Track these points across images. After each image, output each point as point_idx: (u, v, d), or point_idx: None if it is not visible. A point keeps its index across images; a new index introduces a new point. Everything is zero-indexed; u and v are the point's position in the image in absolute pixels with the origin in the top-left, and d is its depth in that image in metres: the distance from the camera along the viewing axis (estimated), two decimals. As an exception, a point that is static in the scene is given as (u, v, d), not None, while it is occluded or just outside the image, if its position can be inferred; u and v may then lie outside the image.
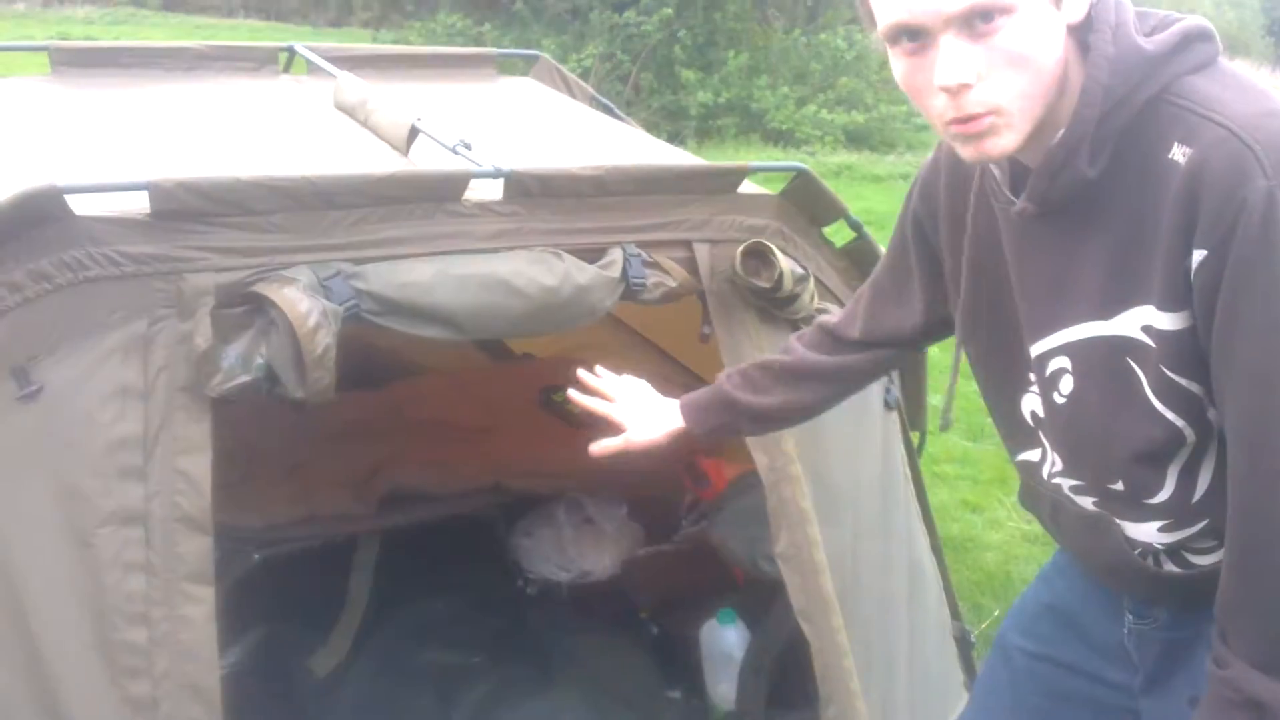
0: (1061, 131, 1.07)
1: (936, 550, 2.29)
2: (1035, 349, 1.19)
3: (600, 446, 1.66)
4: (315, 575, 2.52)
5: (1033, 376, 1.22)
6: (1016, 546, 3.27)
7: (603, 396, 1.67)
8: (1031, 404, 1.25)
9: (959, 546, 3.24)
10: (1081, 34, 1.07)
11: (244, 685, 2.33)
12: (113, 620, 1.37)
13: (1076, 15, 1.06)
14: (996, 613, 2.86)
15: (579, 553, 2.77)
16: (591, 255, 1.77)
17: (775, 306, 1.91)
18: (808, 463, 1.91)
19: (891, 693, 1.93)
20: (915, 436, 2.37)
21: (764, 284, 1.85)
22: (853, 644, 1.86)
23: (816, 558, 1.85)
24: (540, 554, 2.79)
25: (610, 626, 2.61)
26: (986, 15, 1.00)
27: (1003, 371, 1.28)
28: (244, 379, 1.47)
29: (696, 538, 2.78)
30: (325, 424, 2.81)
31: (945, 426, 1.54)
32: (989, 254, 1.24)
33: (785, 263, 1.87)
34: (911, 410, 2.37)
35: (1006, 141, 1.06)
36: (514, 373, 3.39)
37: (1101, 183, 1.08)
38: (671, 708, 2.32)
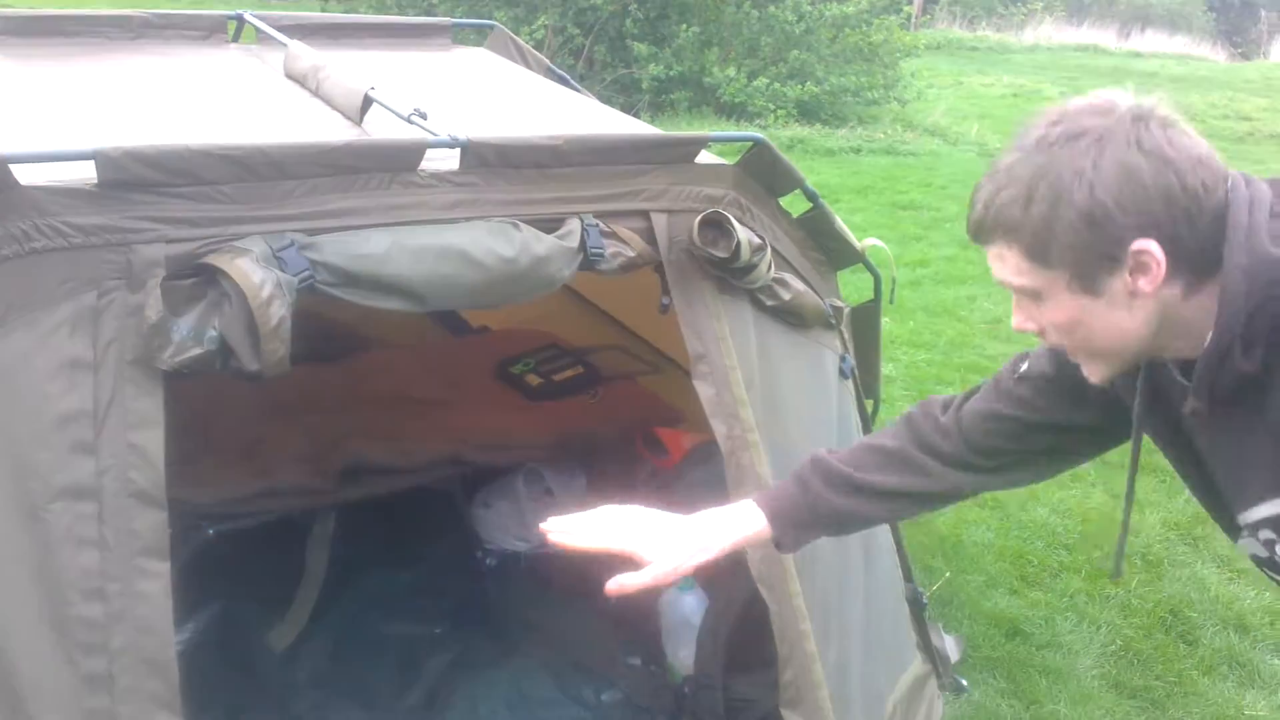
0: (1210, 336, 1.07)
1: (891, 516, 2.32)
2: (1242, 518, 1.19)
3: (620, 584, 1.38)
4: (272, 549, 2.50)
5: (1245, 533, 1.21)
6: (968, 511, 3.33)
7: (598, 534, 1.43)
8: (1251, 549, 1.23)
9: (912, 513, 3.29)
10: (1194, 257, 1.06)
11: (201, 660, 2.32)
12: (67, 595, 1.36)
13: (1147, 287, 1.07)
14: (948, 574, 2.91)
15: (537, 524, 2.77)
16: (549, 225, 1.76)
17: (733, 276, 1.92)
18: (765, 431, 1.93)
19: (847, 654, 1.96)
20: (869, 405, 2.40)
21: (721, 254, 1.86)
22: (810, 609, 1.88)
23: (774, 525, 1.87)
24: (499, 525, 2.79)
25: (569, 597, 2.62)
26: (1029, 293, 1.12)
27: (1217, 516, 1.27)
28: (196, 351, 1.45)
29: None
30: (282, 398, 2.79)
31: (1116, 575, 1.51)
32: (1174, 432, 1.23)
33: (742, 233, 1.87)
34: (866, 379, 2.40)
35: (1095, 374, 1.16)
36: (471, 346, 3.38)
37: (1265, 374, 1.07)
38: (631, 674, 2.34)
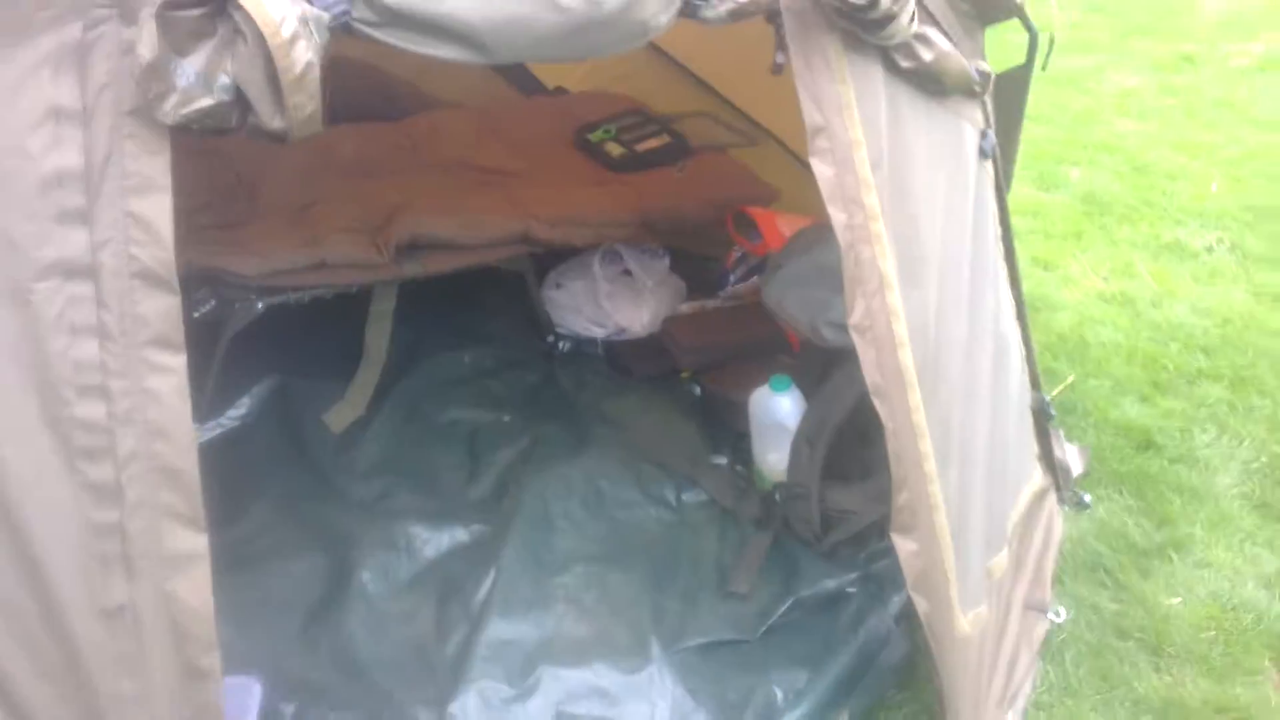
0: None
1: (1021, 317, 2.03)
2: None
3: None
4: (328, 326, 2.32)
5: None
6: (1091, 306, 3.00)
7: None
8: None
9: (1029, 307, 2.96)
10: None
11: (255, 439, 2.21)
12: (62, 393, 1.15)
13: None
14: (1071, 378, 2.62)
15: (615, 307, 2.54)
16: (641, -44, 1.41)
17: (866, 29, 1.55)
18: (891, 220, 1.62)
19: (970, 473, 1.72)
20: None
21: (857, -1, 1.49)
22: (930, 425, 1.63)
23: (896, 329, 1.59)
24: (573, 307, 2.57)
25: (648, 387, 2.41)
26: None
27: None
28: (206, 102, 1.17)
29: (745, 295, 2.53)
30: (335, 159, 2.53)
31: None
32: None
33: (883, -29, 1.50)
34: (1003, 163, 2.05)
35: None
36: (545, 108, 3.04)
37: None
38: (715, 474, 2.15)
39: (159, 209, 1.20)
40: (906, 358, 1.61)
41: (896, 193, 1.65)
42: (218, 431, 2.20)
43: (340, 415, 2.25)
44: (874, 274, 1.59)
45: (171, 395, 1.20)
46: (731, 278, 2.58)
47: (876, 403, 1.59)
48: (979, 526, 1.73)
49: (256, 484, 2.05)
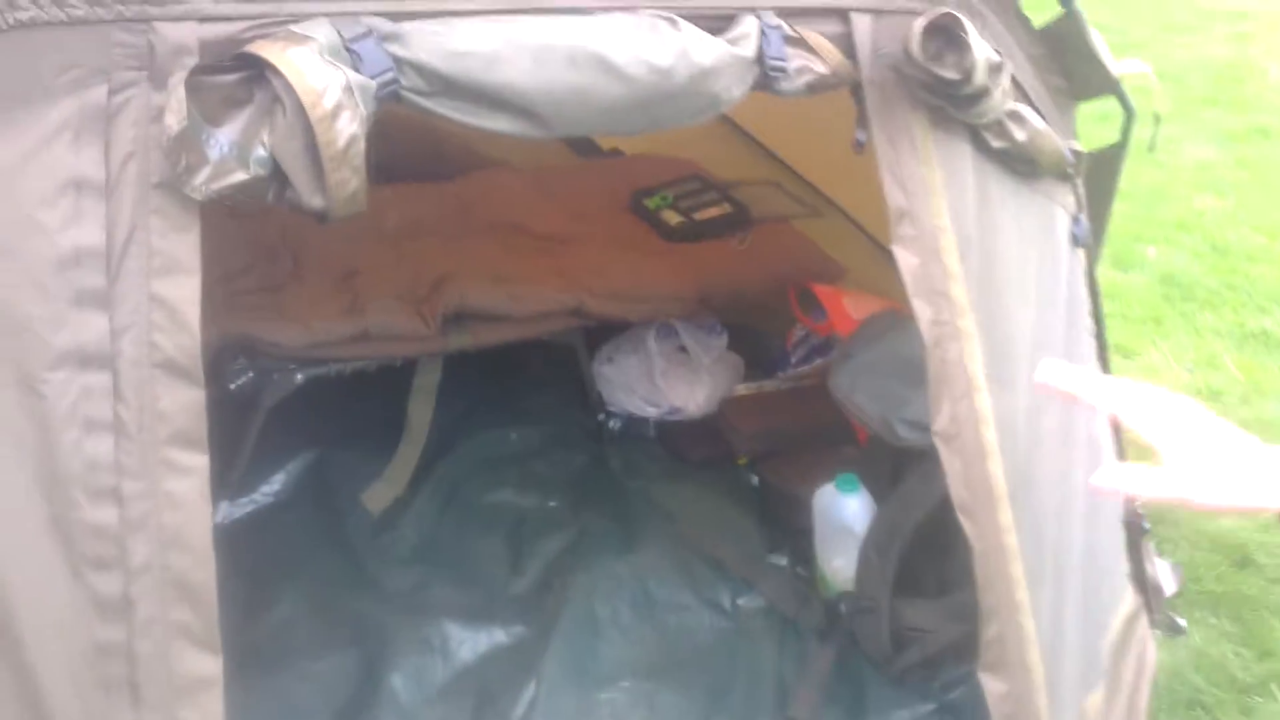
0: None
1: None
2: None
3: (1114, 476, 0.85)
4: (369, 399, 2.21)
5: None
6: (1180, 402, 2.82)
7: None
8: None
9: (1108, 400, 2.79)
10: None
11: (288, 517, 2.10)
12: (72, 495, 1.03)
13: None
14: (1155, 482, 2.43)
15: (669, 385, 2.41)
16: (717, 25, 1.30)
17: (956, 106, 1.43)
18: (980, 315, 1.48)
19: (1062, 601, 1.56)
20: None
21: (950, 73, 1.36)
22: (1023, 543, 1.47)
23: (985, 437, 1.45)
24: (625, 385, 2.44)
25: (703, 474, 2.27)
26: None
27: None
28: (240, 177, 1.06)
29: (807, 377, 2.39)
30: (383, 222, 2.44)
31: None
32: None
33: (978, 45, 1.37)
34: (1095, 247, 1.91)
35: None
36: (601, 171, 2.95)
37: None
38: (774, 577, 2.00)
39: (185, 292, 1.09)
40: (996, 469, 1.46)
41: (985, 285, 1.51)
42: (250, 509, 2.09)
43: (379, 495, 2.13)
44: (961, 375, 1.45)
45: (191, 499, 1.08)
46: (793, 358, 2.45)
47: (964, 521, 1.44)
48: (1073, 660, 1.56)
49: (287, 568, 1.93)
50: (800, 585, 1.96)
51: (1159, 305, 3.34)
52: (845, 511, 1.88)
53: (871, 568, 1.79)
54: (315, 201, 1.09)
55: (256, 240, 2.24)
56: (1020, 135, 1.54)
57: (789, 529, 2.08)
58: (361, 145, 1.08)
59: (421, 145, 2.77)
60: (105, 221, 1.05)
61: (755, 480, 2.25)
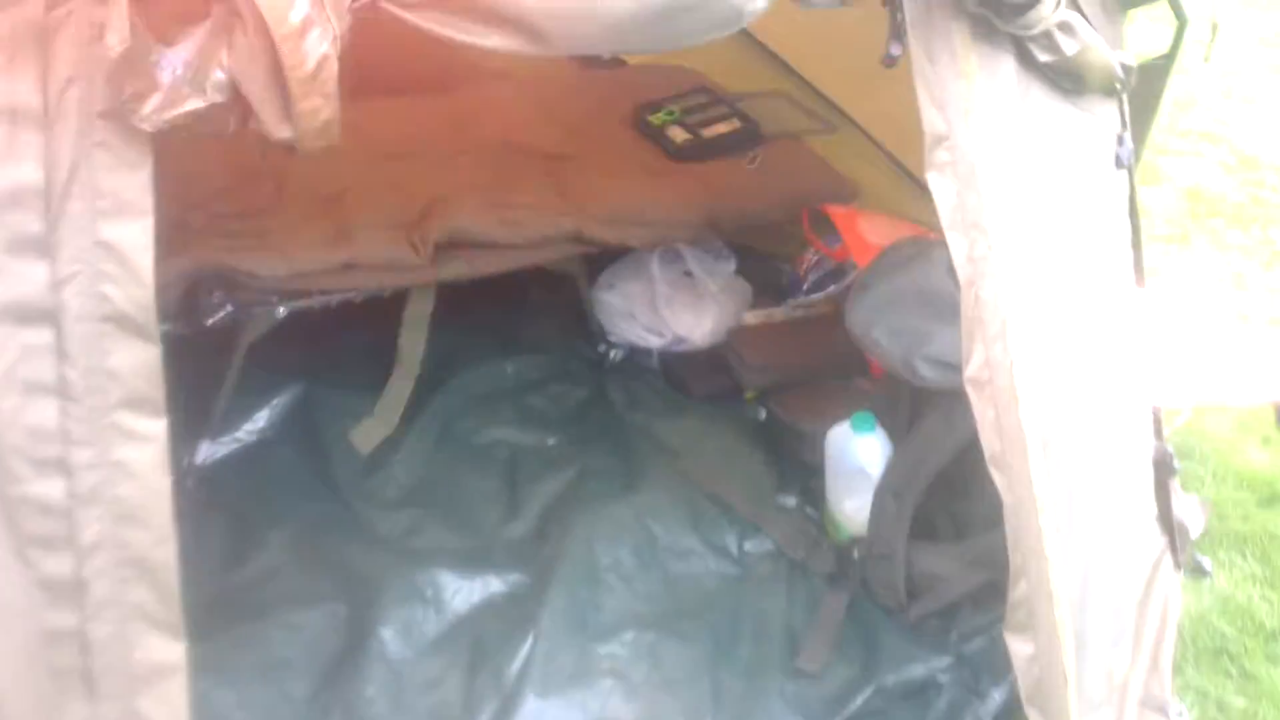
0: None
1: (1149, 353, 1.76)
2: None
3: None
4: (357, 333, 2.09)
5: None
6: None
7: None
8: None
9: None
10: None
11: (273, 457, 2.00)
12: (12, 466, 0.93)
13: None
14: (1186, 415, 2.33)
15: (673, 314, 2.29)
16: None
17: (1002, 15, 1.29)
18: (1019, 249, 1.35)
19: (1090, 554, 1.46)
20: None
21: (997, -20, 1.22)
22: (1054, 495, 1.37)
23: (1019, 383, 1.33)
24: (627, 313, 2.32)
25: (708, 408, 2.17)
26: None
27: None
28: (195, 104, 0.93)
29: (819, 306, 2.27)
30: (372, 140, 2.28)
31: None
32: None
33: (1027, -52, 1.23)
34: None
35: None
36: (602, 84, 2.77)
37: None
38: (782, 519, 1.90)
39: (137, 237, 0.96)
40: (1029, 416, 1.35)
41: (1026, 216, 1.38)
42: (233, 447, 1.98)
43: (369, 433, 2.02)
44: (997, 316, 1.33)
45: (147, 469, 0.97)
46: (805, 285, 2.32)
47: (995, 474, 1.34)
48: (1101, 616, 1.47)
49: (272, 512, 1.83)
50: (810, 528, 1.88)
51: (1184, 222, 3.20)
52: (860, 452, 1.78)
53: (887, 512, 1.70)
54: (282, 132, 0.97)
55: (234, 161, 2.09)
56: (1070, 48, 1.40)
57: (798, 467, 1.99)
58: (334, 67, 0.95)
59: (410, 55, 2.60)
60: (44, 156, 0.93)
61: (763, 415, 2.14)
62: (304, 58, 0.92)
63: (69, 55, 0.92)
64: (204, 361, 1.83)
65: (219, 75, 0.94)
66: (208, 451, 1.96)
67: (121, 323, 0.96)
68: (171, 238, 1.85)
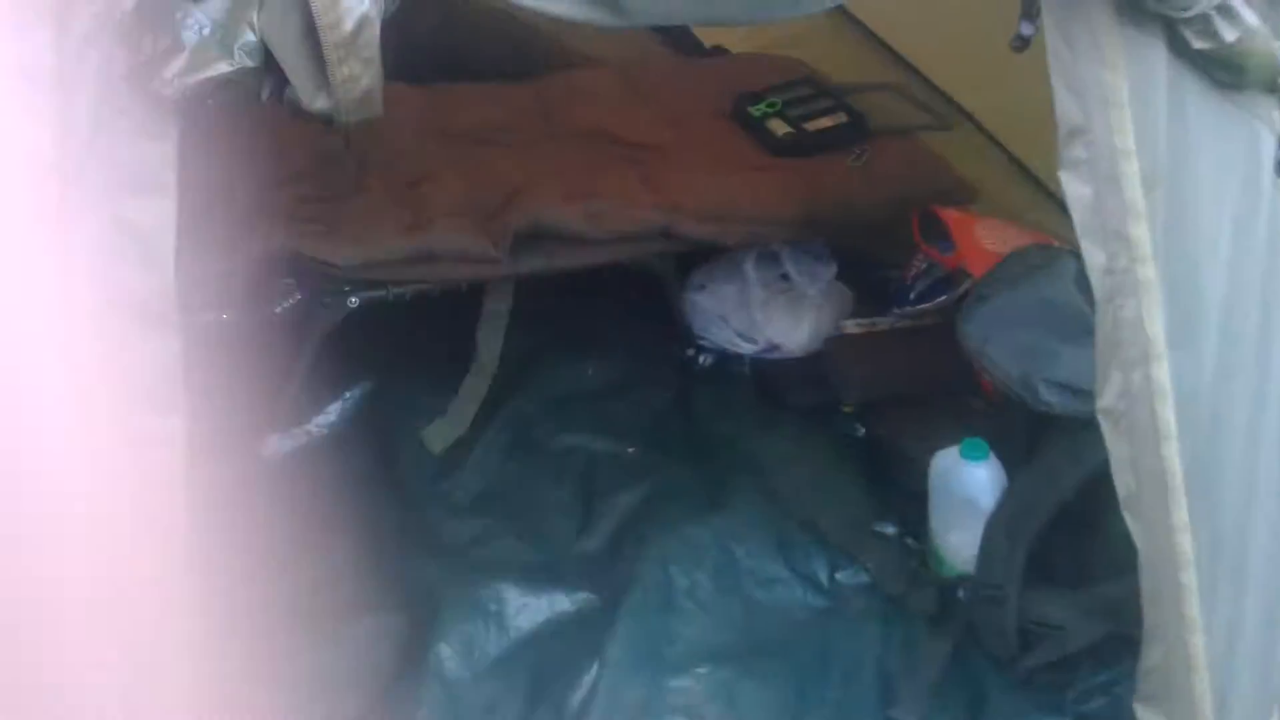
0: None
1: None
2: None
3: None
4: (432, 328, 1.99)
5: None
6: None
7: None
8: None
9: None
10: None
11: (342, 453, 1.92)
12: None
13: None
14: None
15: (768, 319, 2.15)
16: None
17: (1153, -6, 1.12)
18: (1166, 263, 1.18)
19: (1240, 615, 1.27)
20: None
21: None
22: (1199, 547, 1.19)
23: (1162, 416, 1.16)
24: (718, 315, 2.19)
25: (802, 422, 2.02)
26: None
27: None
28: (222, 68, 0.83)
29: (928, 317, 2.10)
30: (456, 125, 2.21)
31: None
32: None
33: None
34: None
35: None
36: (701, 73, 2.64)
37: None
38: (880, 549, 1.74)
39: (159, 217, 0.87)
40: (1173, 455, 1.18)
41: (1174, 225, 1.21)
42: (303, 440, 1.91)
43: (441, 433, 1.93)
44: (1139, 338, 1.16)
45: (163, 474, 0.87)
46: (912, 293, 2.15)
47: (1130, 519, 1.17)
48: (1248, 685, 1.28)
49: (334, 513, 1.74)
50: (910, 561, 1.71)
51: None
52: (970, 481, 1.61)
53: (998, 550, 1.53)
54: (318, 103, 0.86)
55: (314, 142, 2.02)
56: (1229, 35, 1.22)
57: (899, 493, 1.82)
58: (375, 31, 0.83)
59: (502, 40, 2.51)
60: (58, 122, 0.83)
61: (862, 433, 1.98)
62: (341, 16, 0.81)
63: (87, 10, 0.83)
64: (271, 356, 1.76)
65: (250, 37, 0.83)
66: (276, 445, 1.90)
67: (140, 314, 0.86)
68: (244, 222, 1.80)
